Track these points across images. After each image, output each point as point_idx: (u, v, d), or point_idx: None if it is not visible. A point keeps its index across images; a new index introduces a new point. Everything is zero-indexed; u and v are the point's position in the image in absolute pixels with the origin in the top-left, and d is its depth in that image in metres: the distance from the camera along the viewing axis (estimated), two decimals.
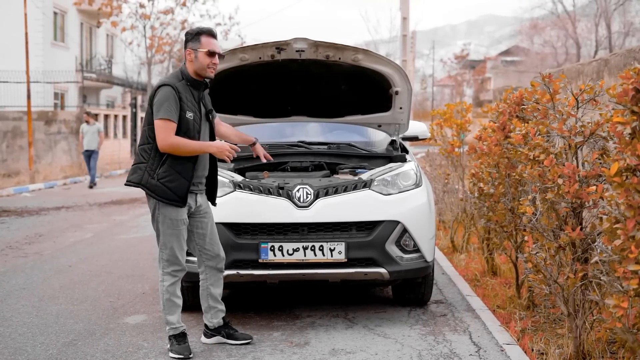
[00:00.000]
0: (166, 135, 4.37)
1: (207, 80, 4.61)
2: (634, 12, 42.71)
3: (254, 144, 5.05)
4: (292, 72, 5.73)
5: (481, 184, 6.16)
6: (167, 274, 4.56)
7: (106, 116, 28.98)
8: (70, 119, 26.05)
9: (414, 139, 6.56)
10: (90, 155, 18.34)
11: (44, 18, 28.05)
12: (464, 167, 9.05)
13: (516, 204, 5.76)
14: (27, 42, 20.39)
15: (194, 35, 4.54)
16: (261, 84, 5.96)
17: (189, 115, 4.44)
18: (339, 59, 5.65)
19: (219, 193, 5.27)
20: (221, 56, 4.61)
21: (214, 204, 4.82)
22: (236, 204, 5.15)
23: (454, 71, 59.09)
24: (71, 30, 31.31)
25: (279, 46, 5.51)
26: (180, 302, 4.61)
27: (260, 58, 5.65)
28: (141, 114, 33.61)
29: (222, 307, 4.85)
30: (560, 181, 4.25)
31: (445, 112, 9.05)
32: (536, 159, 4.57)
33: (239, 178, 5.34)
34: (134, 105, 32.68)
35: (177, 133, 4.44)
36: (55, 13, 29.93)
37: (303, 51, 5.56)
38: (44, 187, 18.61)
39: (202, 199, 4.71)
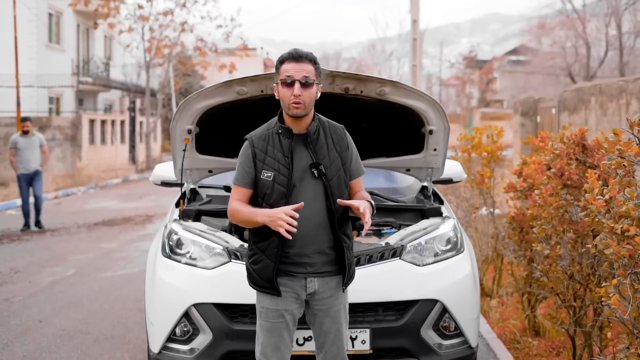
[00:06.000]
0: (229, 204, 3.36)
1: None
2: None
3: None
4: None
5: (531, 241, 5.07)
6: None
7: (103, 121, 27.88)
8: (65, 124, 25.00)
9: (447, 181, 5.44)
10: (32, 178, 12.76)
11: (37, 20, 26.95)
12: (492, 195, 7.95)
13: (576, 268, 4.68)
14: (16, 47, 19.36)
15: (275, 66, 3.35)
16: (263, 121, 4.86)
17: (267, 175, 3.29)
18: (361, 92, 4.51)
19: (209, 264, 4.19)
20: (307, 85, 3.23)
21: (343, 289, 3.47)
22: (232, 280, 4.05)
23: (460, 72, 57.76)
24: (67, 32, 30.18)
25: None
26: None
27: (262, 91, 4.51)
28: (140, 118, 32.46)
29: None
30: None
31: (474, 137, 7.92)
32: (625, 233, 3.48)
33: (235, 244, 4.24)
34: (132, 110, 31.51)
35: (254, 201, 3.34)
36: (50, 14, 28.80)
37: None
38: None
39: (322, 283, 3.39)
